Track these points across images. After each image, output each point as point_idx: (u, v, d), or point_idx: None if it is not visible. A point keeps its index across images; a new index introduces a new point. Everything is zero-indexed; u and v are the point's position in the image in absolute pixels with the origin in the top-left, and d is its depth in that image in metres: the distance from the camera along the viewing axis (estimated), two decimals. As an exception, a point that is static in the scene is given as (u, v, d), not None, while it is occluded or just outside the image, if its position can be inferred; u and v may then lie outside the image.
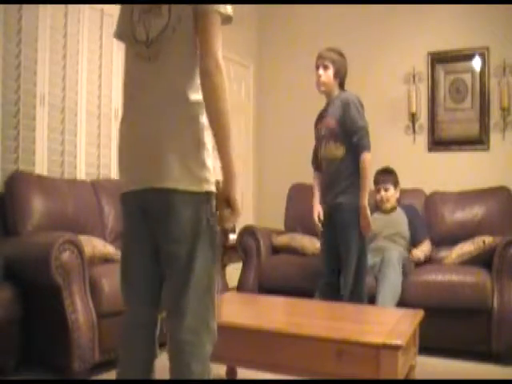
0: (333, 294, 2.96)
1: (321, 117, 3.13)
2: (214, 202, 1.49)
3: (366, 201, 2.87)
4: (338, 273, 3.01)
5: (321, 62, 3.01)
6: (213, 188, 1.49)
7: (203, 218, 1.46)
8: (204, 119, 1.48)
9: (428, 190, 4.03)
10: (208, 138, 1.50)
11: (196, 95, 1.47)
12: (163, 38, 1.46)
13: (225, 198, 1.48)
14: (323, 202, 3.10)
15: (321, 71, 3.00)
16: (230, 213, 1.48)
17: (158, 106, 1.46)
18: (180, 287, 1.46)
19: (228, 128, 1.43)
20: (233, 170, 1.45)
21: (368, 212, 2.87)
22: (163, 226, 1.48)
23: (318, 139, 3.12)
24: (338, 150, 2.95)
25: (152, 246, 1.54)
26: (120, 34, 1.62)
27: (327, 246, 3.09)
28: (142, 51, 1.50)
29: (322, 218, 3.10)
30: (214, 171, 1.51)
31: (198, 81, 1.46)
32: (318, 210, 3.14)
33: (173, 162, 1.43)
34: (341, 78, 3.05)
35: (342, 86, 3.08)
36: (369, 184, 2.92)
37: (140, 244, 1.56)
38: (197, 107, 1.47)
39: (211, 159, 1.50)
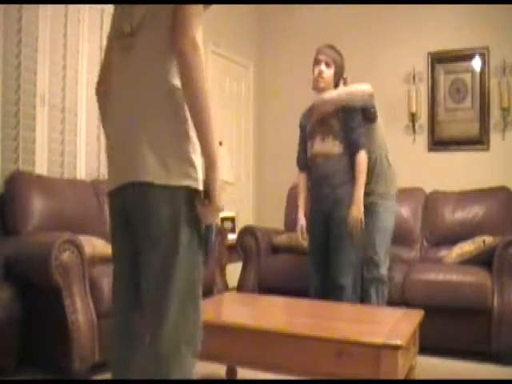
0: (328, 294, 2.95)
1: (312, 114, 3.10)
2: (197, 200, 1.35)
3: (361, 204, 2.87)
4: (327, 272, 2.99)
5: (324, 58, 2.98)
6: (196, 185, 1.35)
7: (183, 216, 1.33)
8: None
9: (428, 190, 4.03)
10: None
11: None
12: (144, 25, 1.38)
13: (205, 188, 1.34)
14: (317, 196, 3.05)
15: (323, 67, 2.98)
16: (207, 206, 1.33)
17: (137, 96, 1.37)
18: (158, 296, 1.34)
19: (207, 111, 1.30)
20: (213, 156, 1.31)
21: (361, 210, 2.87)
22: (142, 227, 1.37)
23: (310, 135, 3.08)
24: (336, 146, 2.96)
25: (133, 248, 1.42)
26: (110, 35, 1.57)
27: (317, 245, 3.05)
28: (126, 43, 1.42)
29: (304, 230, 3.13)
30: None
31: None
32: (302, 222, 3.14)
33: (147, 154, 1.32)
34: (337, 79, 3.07)
35: (336, 87, 3.09)
36: (364, 182, 2.92)
37: (122, 247, 1.48)
38: (181, 95, 1.34)
39: (199, 155, 1.37)
